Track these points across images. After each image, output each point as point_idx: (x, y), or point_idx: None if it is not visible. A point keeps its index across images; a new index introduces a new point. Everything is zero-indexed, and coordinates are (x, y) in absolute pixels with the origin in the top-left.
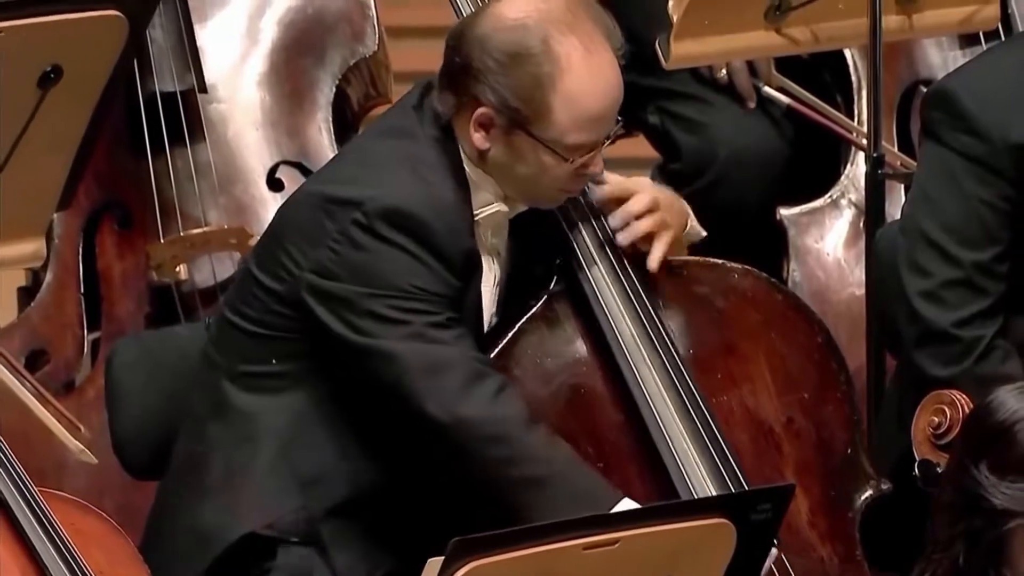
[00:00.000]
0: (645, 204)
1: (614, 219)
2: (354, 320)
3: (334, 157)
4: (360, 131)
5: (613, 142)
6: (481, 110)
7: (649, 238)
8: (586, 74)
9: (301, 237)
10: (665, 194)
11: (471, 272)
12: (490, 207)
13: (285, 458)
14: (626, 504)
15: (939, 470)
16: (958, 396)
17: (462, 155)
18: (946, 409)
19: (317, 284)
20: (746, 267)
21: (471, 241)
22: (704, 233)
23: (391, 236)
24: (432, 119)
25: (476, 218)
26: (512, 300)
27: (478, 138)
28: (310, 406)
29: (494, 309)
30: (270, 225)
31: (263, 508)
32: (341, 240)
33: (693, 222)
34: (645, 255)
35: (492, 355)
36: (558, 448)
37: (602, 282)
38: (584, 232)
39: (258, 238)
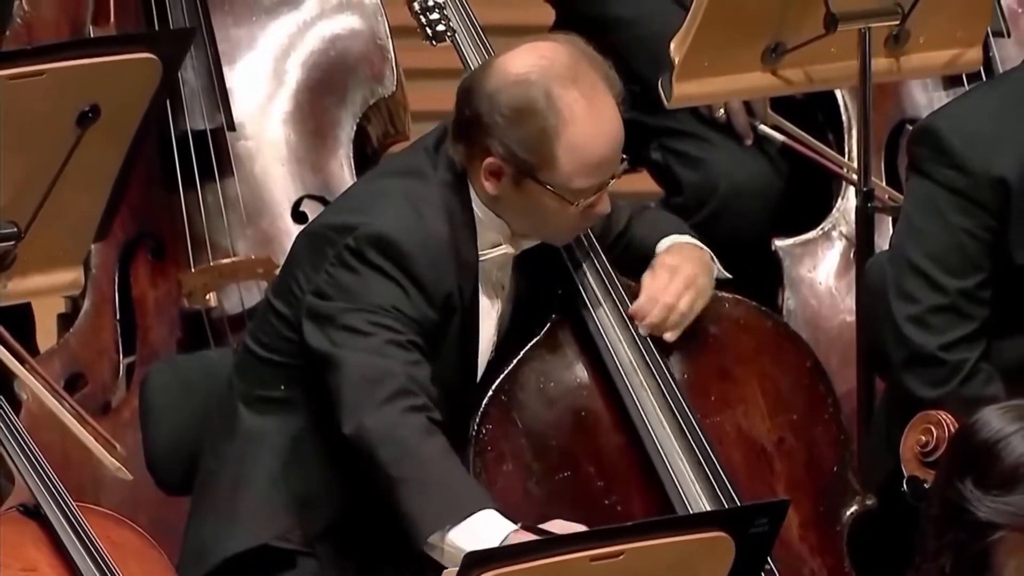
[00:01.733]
0: (673, 296)
1: (649, 317)
2: (331, 333)
3: (345, 191)
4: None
5: (618, 177)
6: (491, 159)
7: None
8: (588, 123)
9: (308, 263)
10: (686, 255)
11: (451, 311)
12: (497, 249)
13: (282, 478)
14: (489, 515)
15: (926, 486)
16: (944, 416)
17: (473, 198)
18: (933, 429)
19: (313, 305)
20: (737, 296)
21: (458, 281)
22: (728, 275)
23: (376, 261)
24: (447, 164)
25: (483, 259)
26: (516, 328)
27: (489, 185)
28: (309, 430)
29: (495, 340)
30: (287, 256)
31: (258, 525)
32: (335, 263)
33: (717, 267)
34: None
35: (498, 380)
36: (441, 458)
37: (601, 311)
38: (584, 265)
39: None
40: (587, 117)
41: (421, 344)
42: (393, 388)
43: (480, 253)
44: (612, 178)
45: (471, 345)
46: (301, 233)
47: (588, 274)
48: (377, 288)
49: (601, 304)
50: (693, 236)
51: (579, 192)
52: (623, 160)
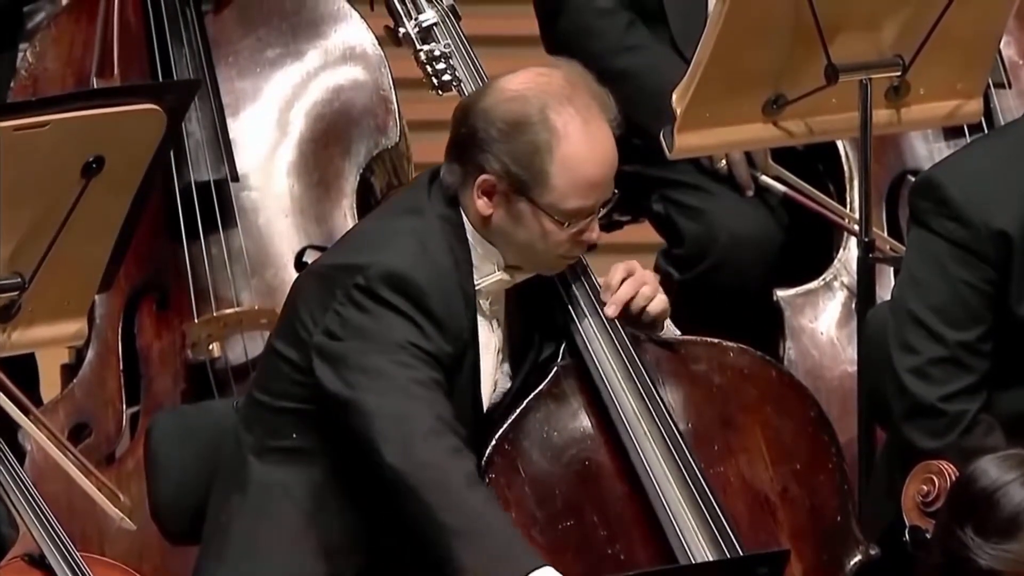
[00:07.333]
0: (622, 272)
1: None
2: (347, 375)
3: (348, 232)
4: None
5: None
6: (484, 177)
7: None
8: (582, 142)
9: (314, 304)
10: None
11: (464, 345)
12: (492, 276)
13: (308, 530)
14: (547, 572)
15: (927, 535)
16: (945, 466)
17: (466, 226)
18: (934, 478)
19: (323, 345)
20: (742, 345)
21: (466, 313)
22: (679, 333)
23: (390, 298)
24: (440, 195)
25: (477, 286)
26: (519, 373)
27: (482, 204)
28: (330, 478)
29: (496, 376)
30: (287, 299)
31: None
32: (345, 302)
33: (669, 325)
34: (645, 334)
35: (502, 429)
36: (493, 510)
37: (605, 361)
38: (588, 315)
39: None
40: (581, 135)
41: (442, 382)
42: (427, 427)
43: (476, 282)
44: (605, 206)
45: (476, 379)
46: (304, 274)
47: (592, 325)
48: (392, 326)
49: (606, 356)
50: None
51: (570, 213)
52: (615, 193)
